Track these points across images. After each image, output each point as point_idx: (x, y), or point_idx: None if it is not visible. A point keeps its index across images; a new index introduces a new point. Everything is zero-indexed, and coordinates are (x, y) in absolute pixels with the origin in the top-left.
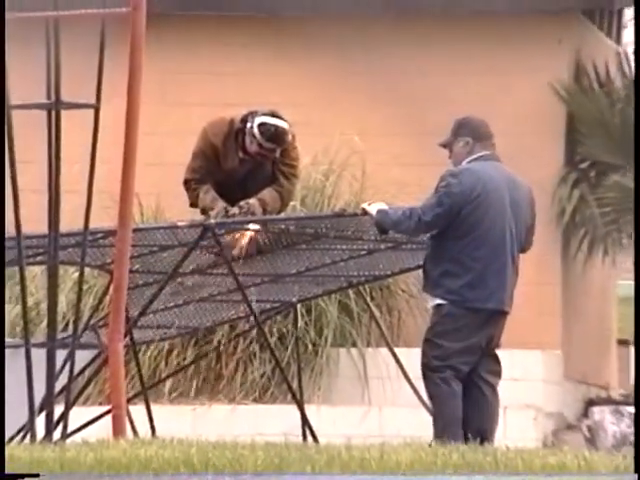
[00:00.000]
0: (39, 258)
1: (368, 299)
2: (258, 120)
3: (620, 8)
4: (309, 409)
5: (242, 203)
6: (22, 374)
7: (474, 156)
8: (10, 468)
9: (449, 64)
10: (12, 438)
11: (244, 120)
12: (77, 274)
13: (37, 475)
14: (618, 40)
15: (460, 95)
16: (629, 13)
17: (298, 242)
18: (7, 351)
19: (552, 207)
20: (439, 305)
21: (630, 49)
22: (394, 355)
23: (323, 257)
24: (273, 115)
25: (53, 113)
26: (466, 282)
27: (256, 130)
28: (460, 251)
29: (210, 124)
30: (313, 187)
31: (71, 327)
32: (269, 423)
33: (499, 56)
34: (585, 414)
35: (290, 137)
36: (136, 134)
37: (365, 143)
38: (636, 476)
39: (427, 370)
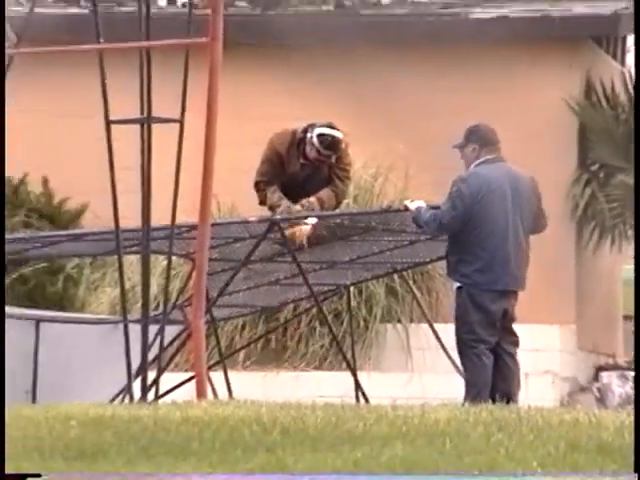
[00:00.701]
0: (134, 248)
1: (410, 282)
2: (317, 131)
3: (624, 35)
4: (361, 375)
5: (304, 201)
6: (121, 346)
7: (481, 159)
8: (111, 425)
9: (479, 83)
10: (113, 399)
11: (305, 131)
12: (166, 262)
13: (39, 475)
14: (622, 62)
15: (487, 110)
16: (632, 39)
17: (351, 234)
18: (109, 326)
19: (567, 203)
20: (459, 288)
21: (633, 70)
22: (433, 329)
23: (372, 247)
24: (330, 127)
25: (145, 127)
26: (477, 268)
27: (315, 139)
28: (471, 242)
29: (276, 135)
30: (363, 187)
31: (161, 306)
32: (327, 387)
33: (522, 76)
34: (595, 378)
35: (344, 145)
36: (214, 144)
37: (407, 150)
38: (636, 476)
39: (463, 346)
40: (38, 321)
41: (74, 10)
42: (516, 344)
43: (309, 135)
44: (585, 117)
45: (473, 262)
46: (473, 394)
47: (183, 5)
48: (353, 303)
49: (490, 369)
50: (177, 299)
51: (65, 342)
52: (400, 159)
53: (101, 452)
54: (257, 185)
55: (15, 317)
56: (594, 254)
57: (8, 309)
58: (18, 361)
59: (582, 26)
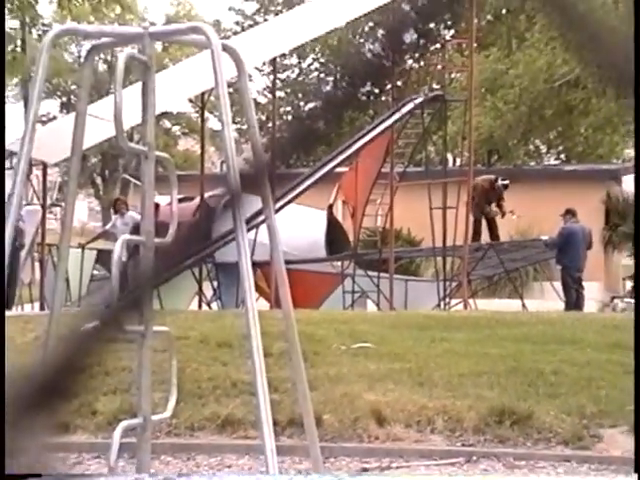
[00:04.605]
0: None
1: (543, 265)
2: (499, 181)
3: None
4: (526, 301)
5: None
6: (435, 290)
7: (570, 221)
8: (431, 317)
9: (572, 195)
10: (433, 308)
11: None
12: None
13: (39, 475)
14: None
15: (572, 203)
16: None
17: (519, 248)
18: (431, 283)
19: (600, 237)
20: (561, 269)
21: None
22: (551, 284)
23: (527, 253)
24: (503, 179)
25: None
26: (568, 261)
27: (500, 183)
28: (566, 251)
29: (481, 179)
30: (522, 230)
31: (450, 275)
32: (512, 305)
33: (586, 194)
34: (611, 301)
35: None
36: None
37: (544, 223)
38: (636, 476)
39: (565, 289)
40: (406, 280)
41: (414, 168)
42: (583, 288)
43: (493, 178)
44: (610, 206)
45: (567, 259)
46: (567, 308)
47: (459, 166)
48: (522, 273)
49: (574, 297)
50: (456, 272)
51: (418, 290)
52: (541, 222)
53: (430, 328)
54: (473, 199)
55: (396, 279)
56: (612, 255)
57: (398, 275)
58: (400, 297)
59: (614, 173)
